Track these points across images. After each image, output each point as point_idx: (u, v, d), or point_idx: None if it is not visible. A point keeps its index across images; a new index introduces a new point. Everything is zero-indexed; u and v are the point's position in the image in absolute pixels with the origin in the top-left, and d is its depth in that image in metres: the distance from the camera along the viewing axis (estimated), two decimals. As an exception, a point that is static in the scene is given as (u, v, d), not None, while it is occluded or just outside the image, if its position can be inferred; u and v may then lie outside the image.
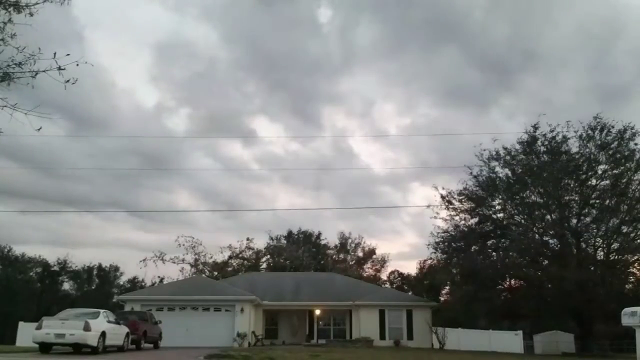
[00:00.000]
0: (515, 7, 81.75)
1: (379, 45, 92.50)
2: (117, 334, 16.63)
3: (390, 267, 64.77)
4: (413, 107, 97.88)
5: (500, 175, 30.58)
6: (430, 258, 34.18)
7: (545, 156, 29.21)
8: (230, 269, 52.82)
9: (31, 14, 7.78)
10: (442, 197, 31.31)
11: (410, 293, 49.46)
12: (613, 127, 28.04)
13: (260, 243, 61.41)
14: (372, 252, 63.91)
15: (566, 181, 28.86)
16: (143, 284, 62.89)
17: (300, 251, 56.72)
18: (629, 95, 76.03)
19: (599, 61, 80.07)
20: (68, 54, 7.21)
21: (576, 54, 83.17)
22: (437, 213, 31.66)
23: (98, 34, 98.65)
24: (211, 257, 52.51)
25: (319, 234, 64.70)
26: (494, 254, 31.86)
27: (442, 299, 50.98)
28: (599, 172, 28.75)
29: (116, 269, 70.48)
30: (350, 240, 64.37)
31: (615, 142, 28.10)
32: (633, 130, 27.77)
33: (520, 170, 29.63)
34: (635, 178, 28.16)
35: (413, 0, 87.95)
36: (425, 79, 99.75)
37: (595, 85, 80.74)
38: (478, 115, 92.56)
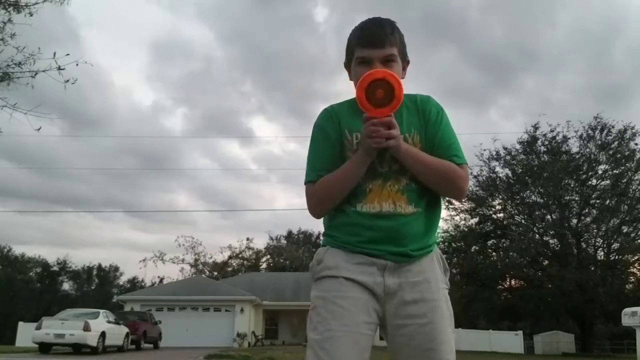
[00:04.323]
0: (513, 6, 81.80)
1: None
2: (117, 334, 16.64)
3: (390, 267, 64.64)
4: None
5: (501, 175, 30.61)
6: (430, 258, 34.11)
7: (545, 156, 29.24)
8: (230, 269, 52.79)
9: (31, 14, 7.77)
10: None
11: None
12: (613, 127, 28.05)
13: (260, 243, 61.46)
14: (372, 252, 63.78)
15: (566, 181, 28.85)
16: (143, 284, 62.76)
17: (300, 251, 56.69)
18: (628, 95, 76.07)
19: (598, 61, 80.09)
20: (68, 54, 7.21)
21: (575, 53, 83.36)
22: (437, 213, 31.64)
23: (94, 32, 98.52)
24: (211, 257, 52.54)
25: (319, 234, 64.51)
26: (494, 254, 31.86)
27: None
28: (599, 172, 28.77)
29: (116, 269, 70.38)
30: (350, 240, 64.27)
31: (616, 142, 28.10)
32: (633, 130, 27.77)
33: (520, 170, 29.64)
34: (635, 178, 28.15)
35: (410, 0, 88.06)
36: (423, 78, 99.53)
37: (595, 85, 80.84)
38: (477, 115, 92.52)
